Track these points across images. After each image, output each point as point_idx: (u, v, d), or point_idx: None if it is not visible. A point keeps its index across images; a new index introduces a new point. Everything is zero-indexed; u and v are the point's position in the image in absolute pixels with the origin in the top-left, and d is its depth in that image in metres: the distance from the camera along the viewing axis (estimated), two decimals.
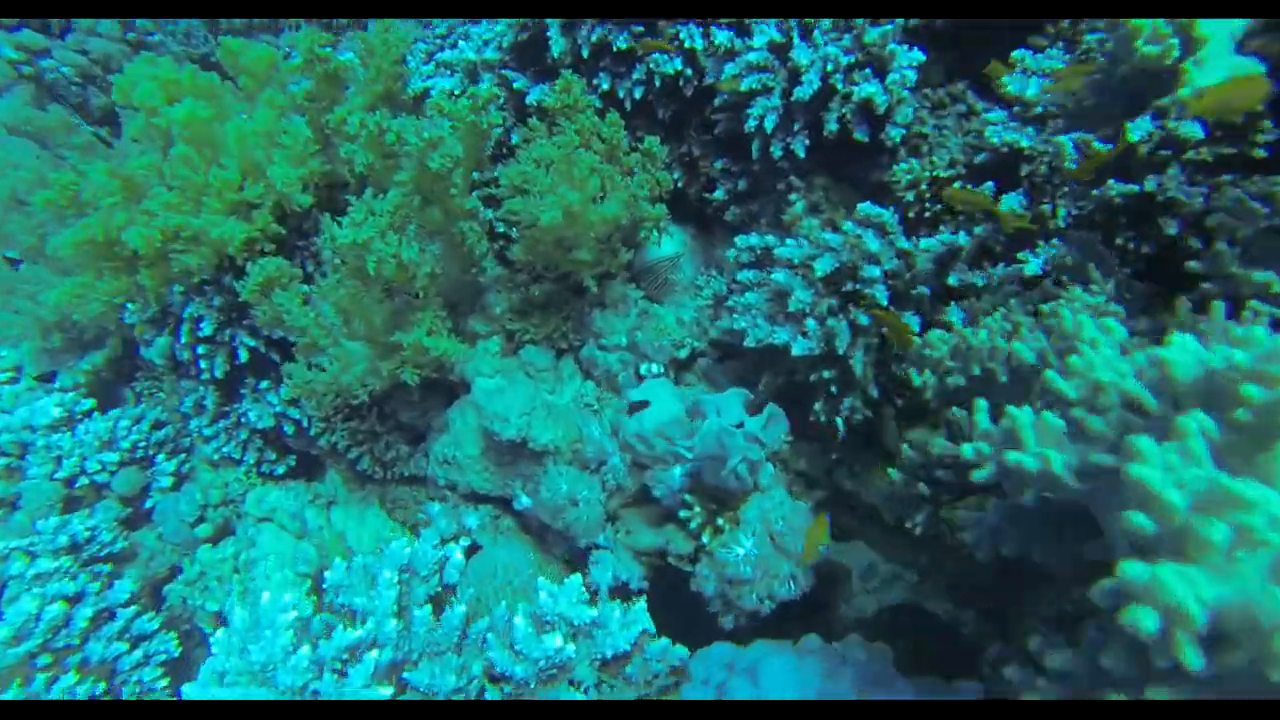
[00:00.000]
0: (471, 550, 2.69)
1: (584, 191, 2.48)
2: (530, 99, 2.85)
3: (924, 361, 1.74)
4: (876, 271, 2.28)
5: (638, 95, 2.74)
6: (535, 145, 2.67)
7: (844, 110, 2.44)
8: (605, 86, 2.75)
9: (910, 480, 1.77)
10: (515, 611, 1.97)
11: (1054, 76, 2.04)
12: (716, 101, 2.63)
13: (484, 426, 2.54)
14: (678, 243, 2.95)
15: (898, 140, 2.44)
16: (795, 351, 2.33)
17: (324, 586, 2.21)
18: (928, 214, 2.42)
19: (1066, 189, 2.01)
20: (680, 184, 2.94)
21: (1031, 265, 2.07)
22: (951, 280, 2.24)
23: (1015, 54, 2.21)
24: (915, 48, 2.35)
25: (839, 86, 2.41)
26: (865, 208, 2.36)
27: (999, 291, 1.96)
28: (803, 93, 2.39)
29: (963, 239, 2.19)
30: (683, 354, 2.71)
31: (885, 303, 2.28)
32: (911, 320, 2.25)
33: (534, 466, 2.61)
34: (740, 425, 2.15)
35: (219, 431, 3.06)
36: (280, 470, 3.11)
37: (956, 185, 2.34)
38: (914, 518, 1.78)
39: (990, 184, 2.23)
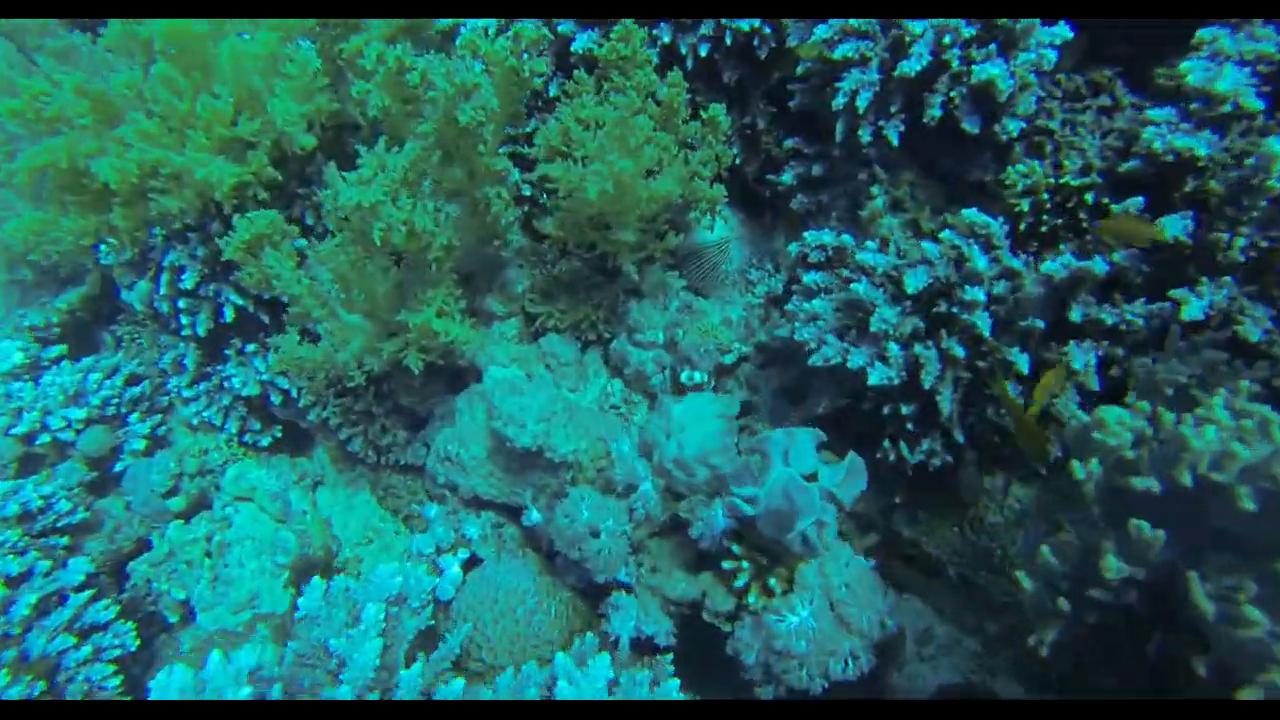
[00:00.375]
0: (471, 563, 2.23)
1: (638, 162, 1.96)
2: (576, 46, 2.29)
3: (1091, 447, 1.25)
4: (981, 294, 1.78)
5: (703, 52, 2.19)
6: (581, 102, 2.15)
7: (953, 93, 1.91)
8: (666, 39, 2.21)
9: (1048, 592, 1.30)
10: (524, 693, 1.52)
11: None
12: (799, 70, 2.08)
13: (494, 428, 2.05)
14: (727, 226, 2.43)
15: (1015, 135, 1.91)
16: (872, 380, 1.85)
17: (297, 616, 1.75)
18: (1044, 228, 1.90)
19: (1256, 213, 1.50)
20: (738, 160, 2.40)
21: (1192, 308, 1.57)
22: (1074, 315, 1.74)
23: (1203, 33, 1.66)
24: (1061, 21, 1.81)
25: (953, 64, 1.87)
26: (971, 214, 1.85)
27: (1192, 358, 1.45)
28: (909, 67, 1.86)
29: (1098, 265, 1.67)
30: (729, 360, 2.22)
31: (988, 333, 1.78)
32: (1020, 359, 1.75)
33: (548, 477, 2.15)
34: (813, 476, 1.67)
35: (200, 394, 2.58)
36: (265, 442, 2.64)
37: (1089, 195, 1.82)
38: (1043, 634, 1.31)
39: (1139, 199, 1.72)
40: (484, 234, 2.23)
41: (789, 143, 2.27)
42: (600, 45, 2.19)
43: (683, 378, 2.15)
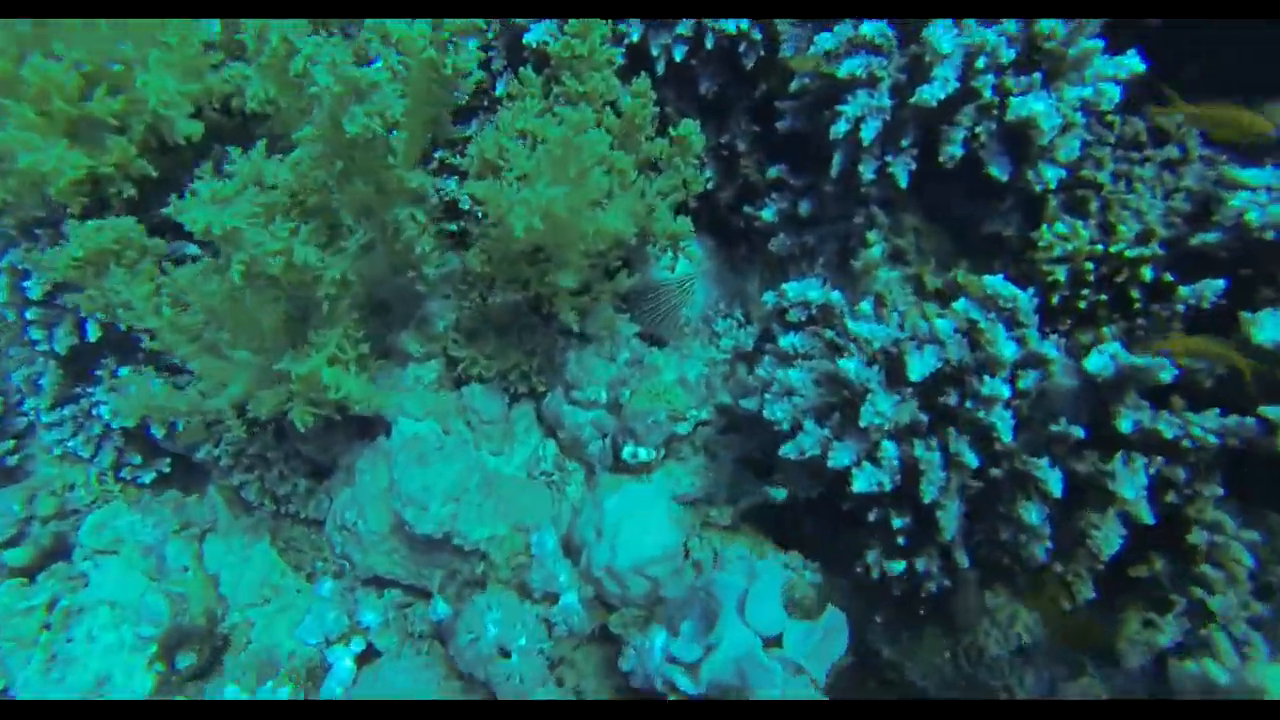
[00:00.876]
0: (370, 653, 1.74)
1: (581, 191, 1.47)
2: (530, 38, 1.78)
3: None
4: (1003, 389, 1.31)
5: (677, 56, 1.69)
6: (524, 106, 1.64)
7: (979, 129, 1.44)
8: (635, 38, 1.70)
9: None
10: None
11: None
12: (792, 86, 1.59)
13: (394, 507, 1.56)
14: (691, 263, 1.93)
15: (1053, 186, 1.44)
16: (858, 486, 1.38)
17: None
18: (1082, 304, 1.43)
19: None
20: (710, 185, 1.91)
21: None
22: (1123, 424, 1.27)
23: None
24: (1134, 50, 1.34)
25: (985, 93, 1.40)
26: (995, 283, 1.38)
27: None
28: (930, 94, 1.39)
29: (1166, 370, 1.21)
30: (683, 429, 1.73)
31: (1009, 437, 1.31)
32: (1050, 477, 1.29)
33: (460, 561, 1.65)
34: (777, 639, 1.20)
35: (63, 420, 2.04)
36: (147, 478, 2.11)
37: (1146, 270, 1.36)
38: None
39: (1217, 283, 1.26)
40: (395, 263, 1.72)
41: (773, 171, 1.79)
42: (556, 40, 1.69)
43: (624, 454, 1.66)
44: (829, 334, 1.59)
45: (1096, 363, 1.28)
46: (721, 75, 1.78)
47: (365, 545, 1.71)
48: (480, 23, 1.56)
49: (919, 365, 1.36)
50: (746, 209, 1.89)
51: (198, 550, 2.06)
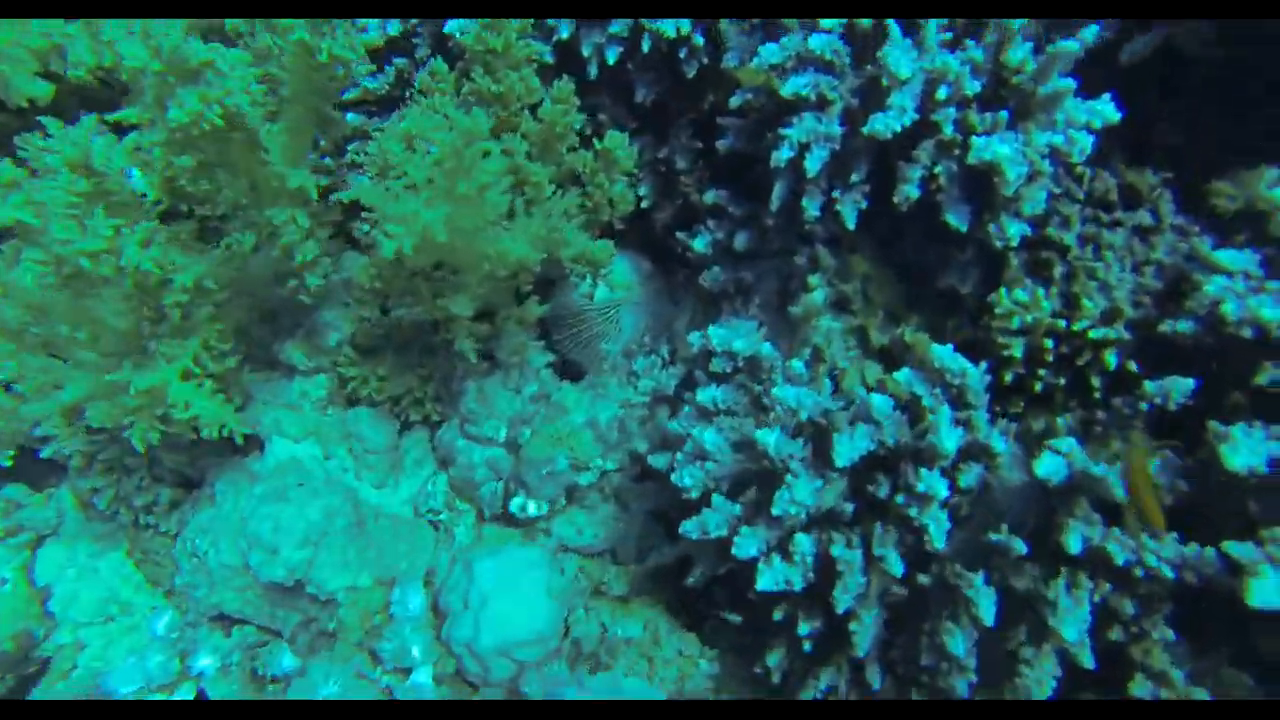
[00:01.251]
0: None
1: (476, 210, 1.22)
2: (450, 28, 1.52)
3: None
4: (941, 487, 1.09)
5: (611, 58, 1.45)
6: (430, 105, 1.41)
7: (939, 168, 1.22)
8: (565, 35, 1.45)
9: None
10: None
11: None
12: (734, 101, 1.36)
13: (241, 549, 1.32)
14: (613, 290, 1.69)
15: (1014, 243, 1.22)
16: (762, 584, 1.16)
17: None
18: (1039, 386, 1.22)
19: None
20: (645, 204, 1.68)
21: (1265, 588, 0.91)
22: (1071, 542, 1.06)
23: None
24: (1109, 95, 1.12)
25: (946, 129, 1.17)
26: (944, 355, 1.17)
27: None
28: (885, 124, 1.17)
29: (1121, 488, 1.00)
30: (585, 480, 1.50)
31: (941, 544, 1.10)
32: (984, 600, 1.08)
33: (317, 609, 1.42)
34: None
35: None
36: None
37: (1111, 356, 1.15)
38: None
39: (1189, 383, 1.05)
40: (275, 271, 1.46)
41: (710, 196, 1.55)
42: (470, 32, 1.44)
43: (513, 506, 1.43)
44: (756, 388, 1.37)
45: (1048, 466, 1.06)
46: (660, 83, 1.54)
47: (214, 579, 1.46)
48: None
49: (847, 449, 1.14)
50: (680, 235, 1.66)
51: (27, 560, 1.79)
